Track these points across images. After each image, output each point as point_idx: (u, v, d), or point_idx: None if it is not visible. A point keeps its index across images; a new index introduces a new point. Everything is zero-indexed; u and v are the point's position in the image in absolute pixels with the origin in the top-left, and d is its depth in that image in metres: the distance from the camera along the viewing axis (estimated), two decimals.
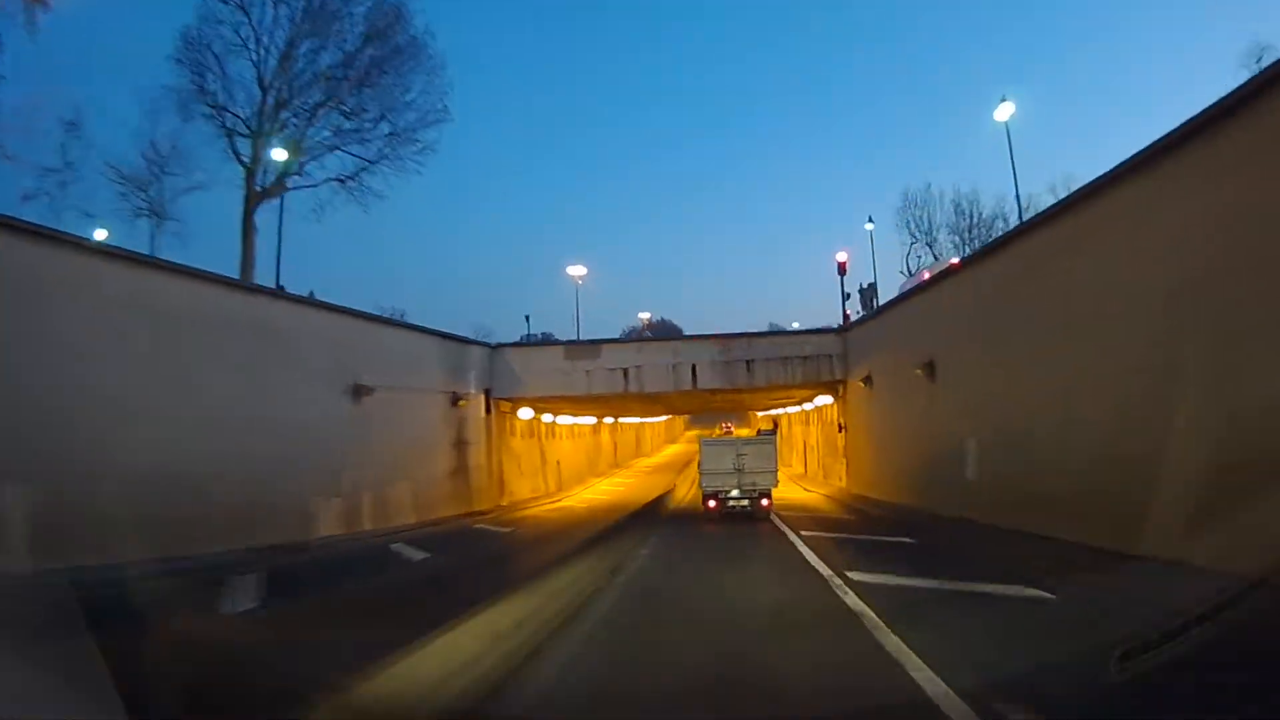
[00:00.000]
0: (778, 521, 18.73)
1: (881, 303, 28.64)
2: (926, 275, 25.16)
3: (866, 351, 24.00)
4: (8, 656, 3.71)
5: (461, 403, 24.85)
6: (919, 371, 17.49)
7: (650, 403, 31.34)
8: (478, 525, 21.37)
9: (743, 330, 26.83)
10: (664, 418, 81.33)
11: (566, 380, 27.21)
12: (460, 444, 25.16)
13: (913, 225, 42.02)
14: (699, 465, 20.22)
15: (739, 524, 18.93)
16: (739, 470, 19.34)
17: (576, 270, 39.48)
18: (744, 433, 61.86)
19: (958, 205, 40.93)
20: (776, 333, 26.89)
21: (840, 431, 27.66)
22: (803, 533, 15.20)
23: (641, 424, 69.22)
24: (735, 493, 19.33)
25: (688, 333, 36.26)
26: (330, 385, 18.66)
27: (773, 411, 55.19)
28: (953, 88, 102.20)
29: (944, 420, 16.41)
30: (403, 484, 21.33)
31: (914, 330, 18.66)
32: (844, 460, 28.17)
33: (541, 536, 19.57)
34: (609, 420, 51.67)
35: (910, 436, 18.88)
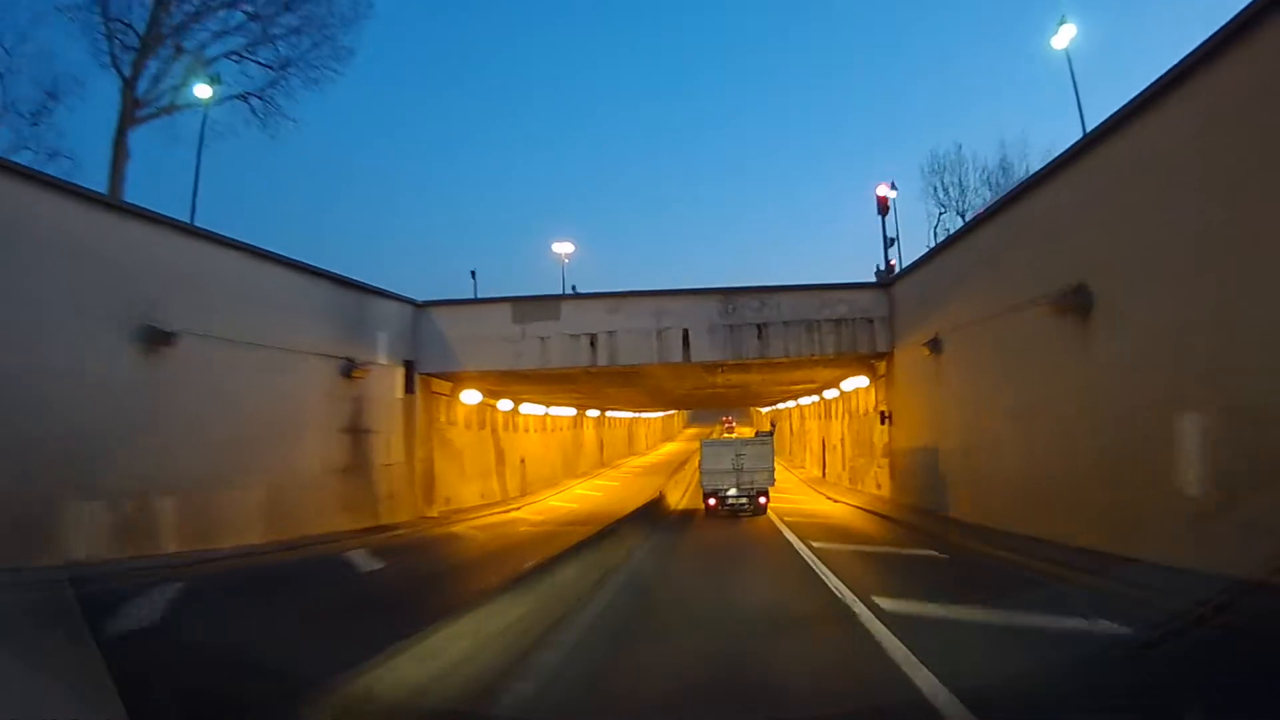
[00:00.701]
0: (809, 558, 11.70)
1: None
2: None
3: (929, 306, 16.90)
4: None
5: (358, 373, 17.80)
6: (1054, 312, 10.41)
7: (629, 385, 24.27)
8: (354, 551, 14.32)
9: (751, 284, 19.68)
10: (660, 413, 74.47)
11: (514, 350, 20.20)
12: (357, 431, 18.12)
13: (941, 192, 35.32)
14: (700, 465, 20.26)
15: (752, 573, 12.05)
16: (738, 470, 19.47)
17: (563, 247, 32.47)
18: (745, 432, 54.92)
19: (1003, 160, 33.90)
20: (799, 286, 19.77)
21: (883, 423, 20.53)
22: (878, 603, 8.05)
23: (634, 419, 62.19)
24: (734, 491, 19.56)
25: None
26: (104, 326, 11.69)
27: (780, 406, 48.12)
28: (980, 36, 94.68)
29: (1117, 390, 9.33)
30: (248, 485, 14.33)
31: (1043, 242, 11.48)
32: (885, 461, 21.05)
33: (437, 574, 12.58)
34: (593, 414, 44.62)
35: (1028, 421, 11.75)
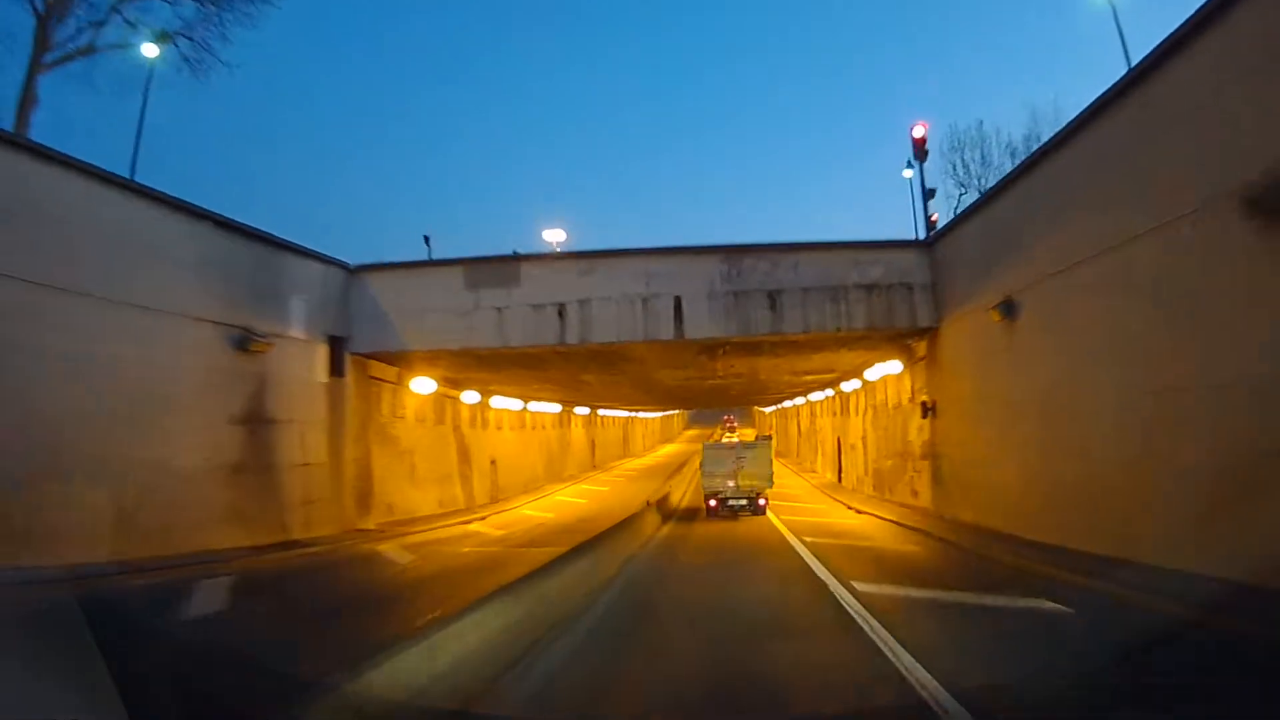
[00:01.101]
0: (864, 621, 7.56)
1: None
2: None
3: (996, 260, 12.96)
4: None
5: (259, 347, 13.90)
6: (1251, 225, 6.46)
7: (609, 371, 20.17)
8: (220, 575, 10.39)
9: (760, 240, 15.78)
10: (658, 413, 70.54)
11: (466, 325, 16.30)
12: (258, 421, 14.20)
13: (961, 170, 31.57)
14: (701, 467, 20.27)
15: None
16: (738, 472, 19.52)
17: (554, 235, 28.35)
18: (746, 434, 51.51)
19: (1032, 133, 29.91)
20: (822, 244, 15.80)
21: (924, 416, 16.56)
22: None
23: (631, 419, 58.27)
24: (734, 493, 19.55)
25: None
26: None
27: (786, 404, 44.17)
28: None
29: None
30: (91, 482, 10.43)
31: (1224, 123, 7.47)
32: (924, 464, 17.09)
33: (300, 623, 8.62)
34: (582, 411, 40.70)
35: (1205, 399, 7.71)
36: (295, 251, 15.72)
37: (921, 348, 17.04)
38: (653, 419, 71.41)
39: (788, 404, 44.67)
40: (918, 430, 17.68)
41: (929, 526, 14.62)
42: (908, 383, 18.50)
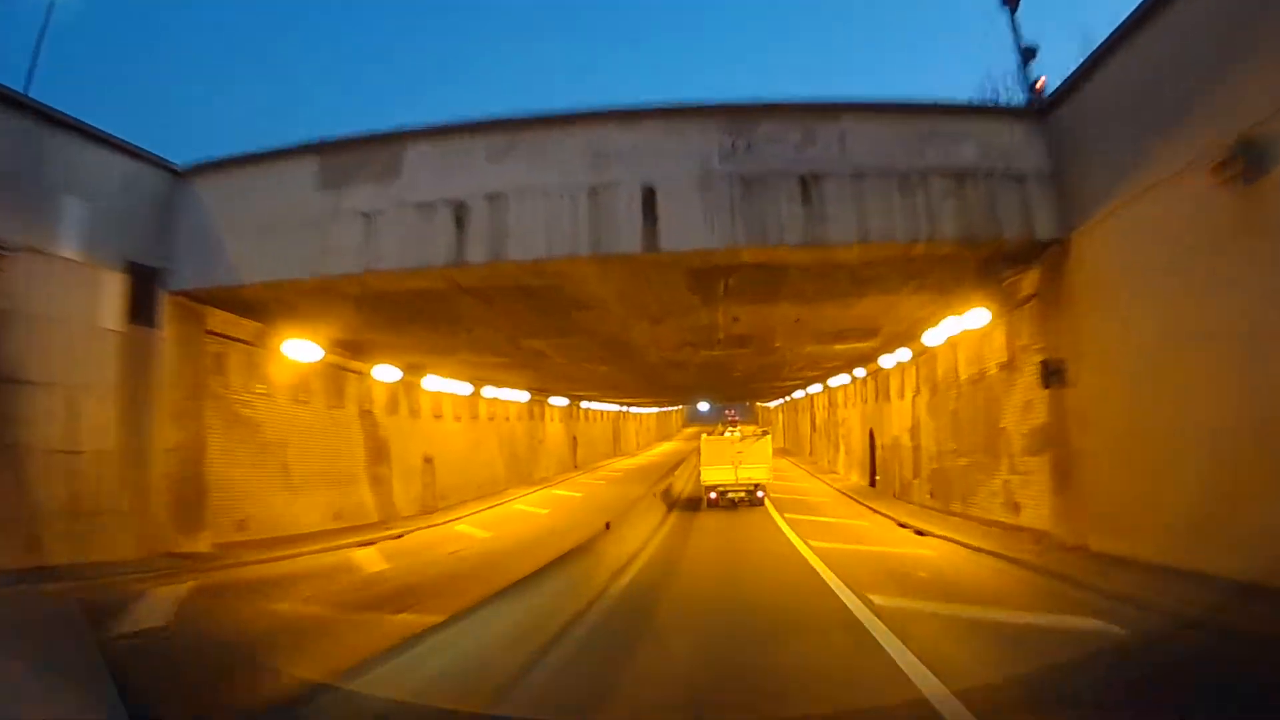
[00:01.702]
0: None
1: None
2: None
3: (1198, 90, 6.93)
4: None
5: None
6: None
7: (549, 317, 12.53)
8: None
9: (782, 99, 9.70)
10: (654, 409, 64.55)
11: (317, 242, 10.43)
12: None
13: None
14: (700, 459, 19.94)
15: None
16: (737, 465, 19.30)
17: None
18: (748, 431, 45.82)
19: None
20: (881, 105, 9.72)
21: (1048, 385, 10.42)
22: None
23: (622, 414, 52.30)
24: (733, 485, 19.32)
25: None
26: None
27: (798, 395, 38.13)
28: None
29: None
30: None
31: None
32: (1041, 464, 11.04)
33: None
34: (559, 402, 34.67)
35: None
36: (81, 133, 9.89)
37: (1028, 282, 11.03)
38: (647, 415, 65.41)
39: (799, 394, 38.60)
40: (1021, 410, 11.63)
41: (1080, 570, 8.51)
42: (999, 340, 12.44)
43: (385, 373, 17.88)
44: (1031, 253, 10.36)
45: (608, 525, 10.98)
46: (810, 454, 36.80)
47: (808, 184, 9.33)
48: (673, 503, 20.93)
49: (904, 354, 17.20)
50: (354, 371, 17.02)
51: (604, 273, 10.15)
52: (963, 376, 14.25)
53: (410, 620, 7.13)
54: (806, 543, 12.24)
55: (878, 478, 21.41)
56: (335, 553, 13.46)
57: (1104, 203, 9.03)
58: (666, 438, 74.28)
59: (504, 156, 9.88)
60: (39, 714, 2.98)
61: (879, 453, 21.29)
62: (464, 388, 22.56)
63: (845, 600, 7.79)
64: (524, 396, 28.67)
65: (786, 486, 24.45)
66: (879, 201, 9.37)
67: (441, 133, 10.21)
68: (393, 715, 4.18)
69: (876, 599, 7.64)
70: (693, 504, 21.25)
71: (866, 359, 20.29)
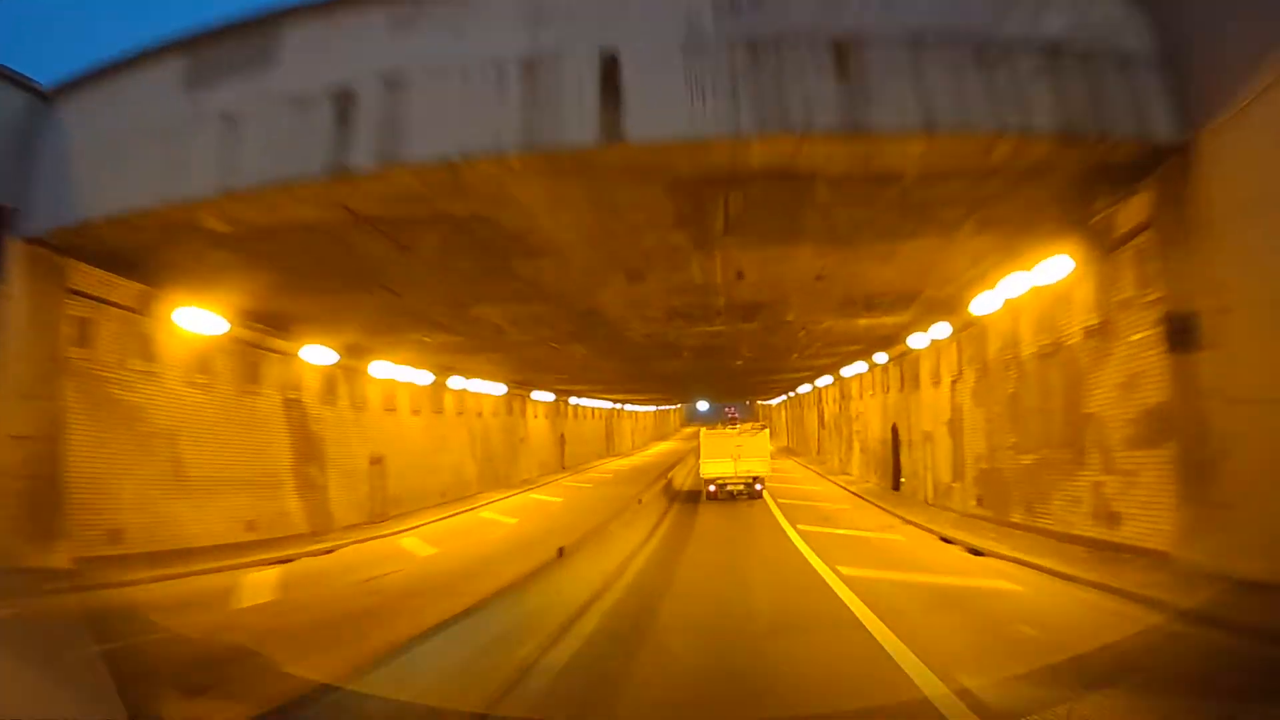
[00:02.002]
0: None
1: None
2: None
3: None
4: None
5: None
6: None
7: (485, 262, 8.83)
8: None
9: None
10: (650, 407, 61.68)
11: (170, 154, 7.44)
12: None
13: None
14: (700, 453, 20.36)
15: None
16: (736, 458, 19.62)
17: None
18: (745, 425, 43.06)
19: None
20: None
21: (1174, 348, 7.45)
22: None
23: (616, 412, 49.37)
24: (732, 478, 19.59)
25: None
26: None
27: (804, 389, 35.25)
28: None
29: None
30: None
31: None
32: (1151, 459, 8.08)
33: None
34: (543, 397, 31.72)
35: None
36: None
37: (1129, 213, 8.15)
38: (644, 414, 62.48)
39: (805, 388, 35.64)
40: (1121, 388, 8.68)
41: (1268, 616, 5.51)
42: (1085, 297, 9.48)
43: (317, 354, 14.90)
44: (1140, 167, 7.44)
45: (560, 551, 8.01)
46: (818, 453, 33.81)
47: (843, 51, 6.36)
48: (666, 508, 18.00)
49: (941, 330, 14.22)
50: (275, 351, 14.05)
51: (552, 191, 7.16)
52: (1026, 351, 11.26)
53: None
54: (834, 569, 9.24)
55: (903, 480, 18.42)
56: (230, 574, 10.52)
57: (1241, 93, 6.11)
58: (664, 437, 71.29)
59: (410, 25, 6.91)
60: (39, 714, 2.87)
61: (904, 451, 18.30)
62: (423, 377, 19.59)
63: (932, 695, 4.69)
64: (500, 389, 25.70)
65: (796, 490, 21.48)
66: (945, 76, 6.40)
67: (328, 7, 7.22)
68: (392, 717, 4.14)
69: (986, 694, 4.55)
70: (689, 508, 18.33)
71: (890, 341, 17.30)
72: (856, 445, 24.71)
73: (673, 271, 9.69)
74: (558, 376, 26.15)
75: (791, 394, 42.18)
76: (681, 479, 25.47)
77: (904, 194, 7.60)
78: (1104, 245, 8.93)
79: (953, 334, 14.06)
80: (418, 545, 14.07)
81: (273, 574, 10.81)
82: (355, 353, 16.10)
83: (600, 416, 45.51)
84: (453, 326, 13.24)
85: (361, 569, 11.48)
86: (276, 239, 8.51)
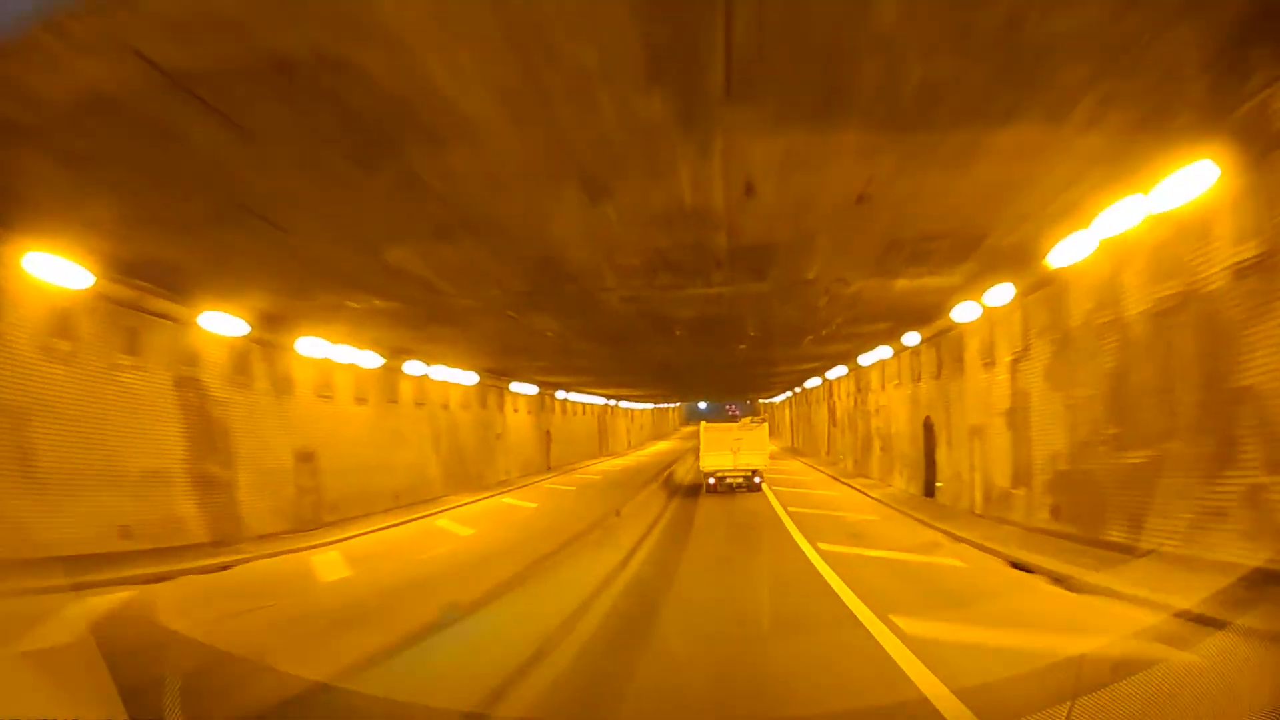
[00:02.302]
0: None
1: None
2: None
3: None
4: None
5: None
6: None
7: (371, 149, 6.48)
8: None
9: None
10: (648, 405, 58.79)
11: None
12: None
13: None
14: (700, 447, 20.50)
15: None
16: (735, 451, 19.86)
17: None
18: (745, 420, 40.99)
19: None
20: None
21: None
22: None
23: (610, 408, 46.45)
24: (731, 471, 19.89)
25: None
26: None
27: (812, 383, 32.33)
28: None
29: None
30: None
31: None
32: None
33: None
34: (525, 389, 28.78)
35: None
36: None
37: None
38: (640, 412, 59.55)
39: (814, 382, 32.67)
40: None
41: None
42: (1236, 218, 6.51)
43: (221, 323, 11.97)
44: None
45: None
46: (828, 453, 30.83)
47: None
48: (654, 519, 15.07)
49: (1000, 295, 11.25)
50: (161, 316, 11.11)
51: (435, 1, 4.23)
52: (1134, 310, 8.30)
53: None
54: (887, 620, 6.24)
55: (939, 485, 15.45)
56: (52, 596, 7.59)
57: None
58: (662, 437, 68.33)
59: None
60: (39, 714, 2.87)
61: (942, 450, 15.32)
62: (370, 359, 16.66)
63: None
64: (471, 379, 22.76)
65: (809, 497, 18.53)
66: None
67: None
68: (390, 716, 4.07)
69: None
70: (682, 519, 15.37)
71: (927, 316, 14.34)
72: (877, 444, 21.72)
73: (652, 180, 6.71)
74: (535, 363, 23.18)
75: (798, 389, 39.19)
76: (674, 488, 22.58)
77: (1013, 22, 4.66)
78: (1262, 142, 6.03)
79: (1015, 298, 11.08)
80: (334, 564, 11.12)
81: (115, 598, 7.86)
82: (274, 324, 13.16)
83: (592, 413, 42.55)
84: (372, 284, 10.26)
85: (238, 597, 8.57)
86: (85, 130, 5.61)
